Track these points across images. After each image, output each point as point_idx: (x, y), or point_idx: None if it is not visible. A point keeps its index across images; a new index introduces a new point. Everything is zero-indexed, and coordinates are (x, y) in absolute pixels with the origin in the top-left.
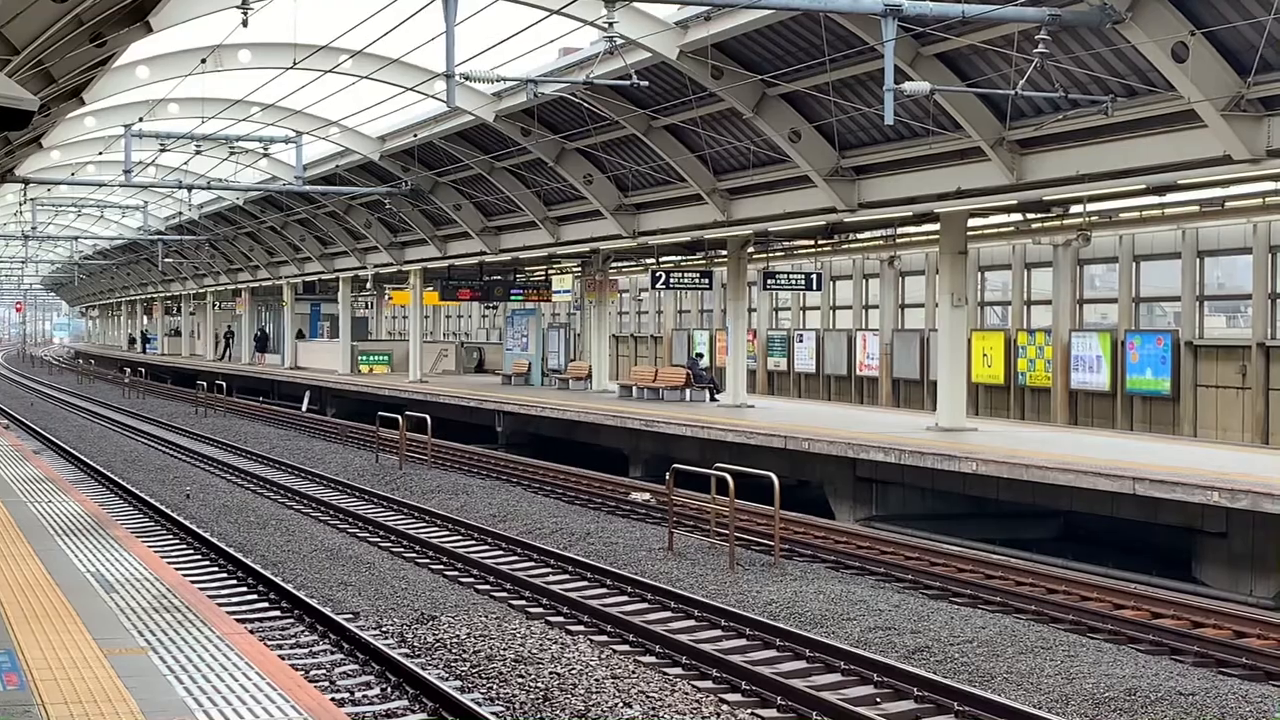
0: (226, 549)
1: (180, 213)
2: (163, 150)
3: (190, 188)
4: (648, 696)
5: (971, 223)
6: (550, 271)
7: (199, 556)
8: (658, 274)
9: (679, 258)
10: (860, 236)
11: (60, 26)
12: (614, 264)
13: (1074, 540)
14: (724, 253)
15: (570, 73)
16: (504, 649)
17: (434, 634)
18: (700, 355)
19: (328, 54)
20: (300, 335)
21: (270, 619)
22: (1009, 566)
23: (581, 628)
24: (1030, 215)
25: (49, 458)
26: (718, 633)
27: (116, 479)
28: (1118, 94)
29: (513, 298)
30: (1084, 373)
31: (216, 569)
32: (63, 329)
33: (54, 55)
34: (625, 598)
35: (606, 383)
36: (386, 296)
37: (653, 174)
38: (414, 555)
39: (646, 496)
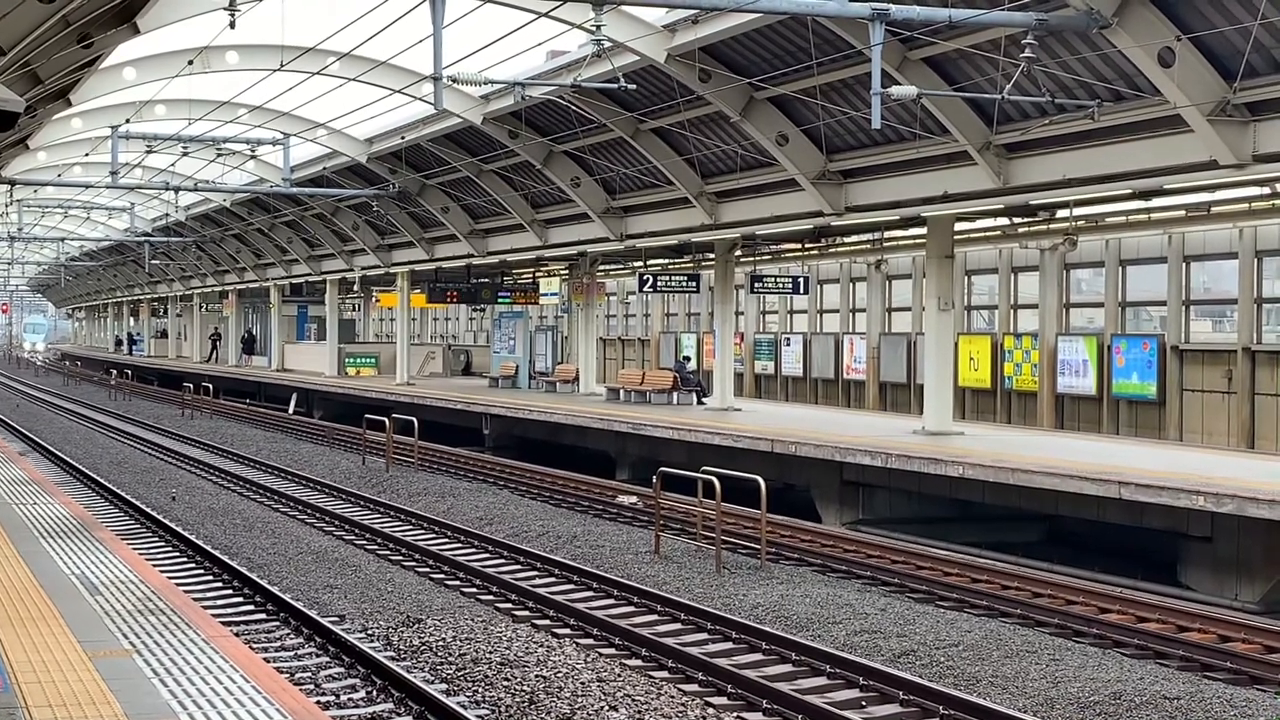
0: (212, 551)
1: (167, 214)
2: (149, 152)
3: (177, 189)
4: (633, 700)
5: (958, 227)
6: (538, 274)
7: (184, 559)
8: (645, 277)
9: (666, 261)
10: (847, 240)
11: (47, 27)
12: (601, 267)
13: (1060, 544)
14: (711, 256)
15: (558, 75)
16: (490, 652)
17: (420, 637)
18: (687, 358)
19: (315, 56)
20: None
21: (255, 622)
22: (995, 570)
23: (568, 631)
24: (1017, 219)
25: (34, 459)
26: (704, 636)
27: (102, 481)
28: (1104, 99)
29: (500, 300)
30: (1070, 377)
31: (202, 571)
32: (38, 331)
33: (41, 56)
34: (612, 601)
35: (594, 385)
36: (374, 299)
37: (640, 177)
38: (400, 558)
39: (633, 499)
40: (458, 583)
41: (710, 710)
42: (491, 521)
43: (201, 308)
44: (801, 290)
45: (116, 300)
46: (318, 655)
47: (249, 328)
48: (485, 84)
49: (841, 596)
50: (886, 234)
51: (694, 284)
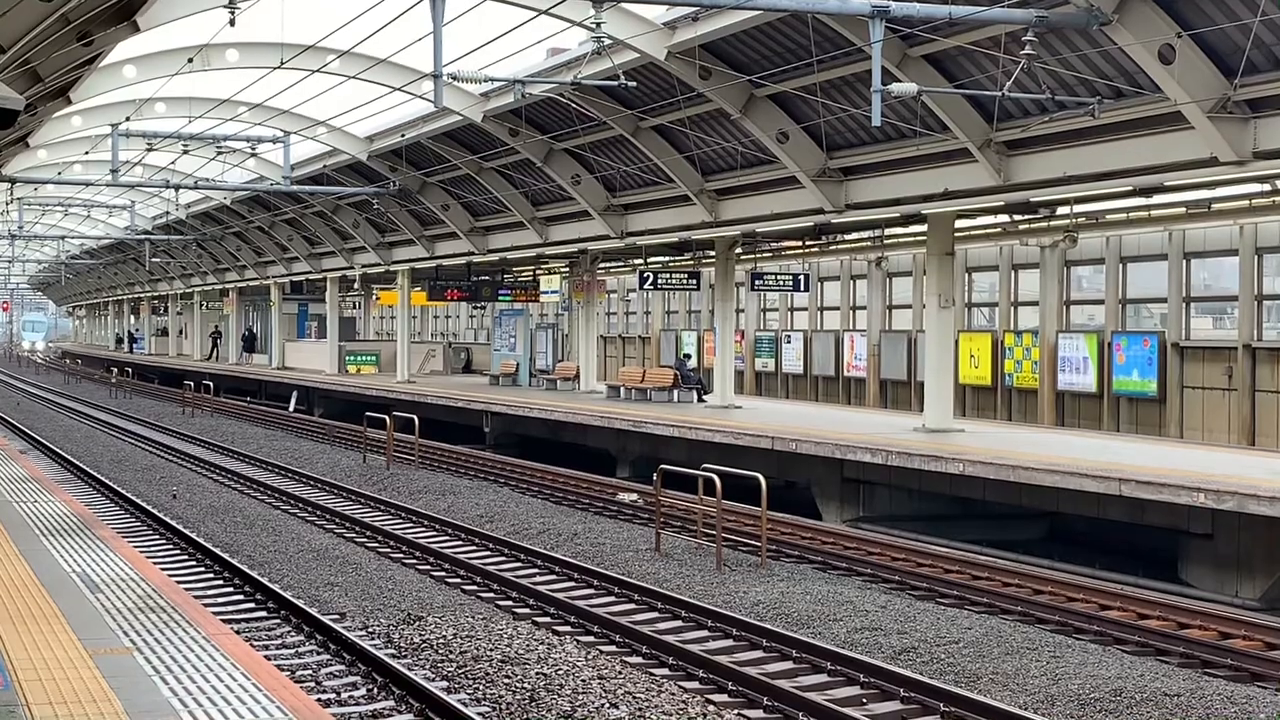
0: (213, 549)
1: (167, 212)
2: (150, 150)
3: (177, 187)
4: (634, 697)
5: (959, 224)
6: (538, 272)
7: (185, 557)
8: (645, 274)
9: (667, 258)
10: (848, 237)
11: (47, 25)
12: (602, 264)
13: (1060, 541)
14: (712, 253)
15: (558, 73)
16: (491, 649)
17: (421, 634)
18: (688, 356)
19: (315, 53)
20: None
21: (256, 619)
22: (995, 567)
23: (568, 628)
24: (1017, 217)
25: (35, 457)
26: (704, 633)
27: (103, 479)
28: (1104, 96)
29: (500, 298)
30: (1071, 374)
31: (203, 569)
32: (37, 329)
33: (41, 54)
34: (612, 598)
35: (594, 383)
36: (374, 297)
37: (641, 174)
38: (401, 555)
39: (634, 497)
40: (458, 580)
41: (711, 708)
42: (492, 519)
43: (202, 306)
44: (802, 288)
45: (117, 298)
46: (319, 653)
47: (249, 326)
48: (485, 81)
49: (842, 594)
50: (887, 231)
51: (694, 281)
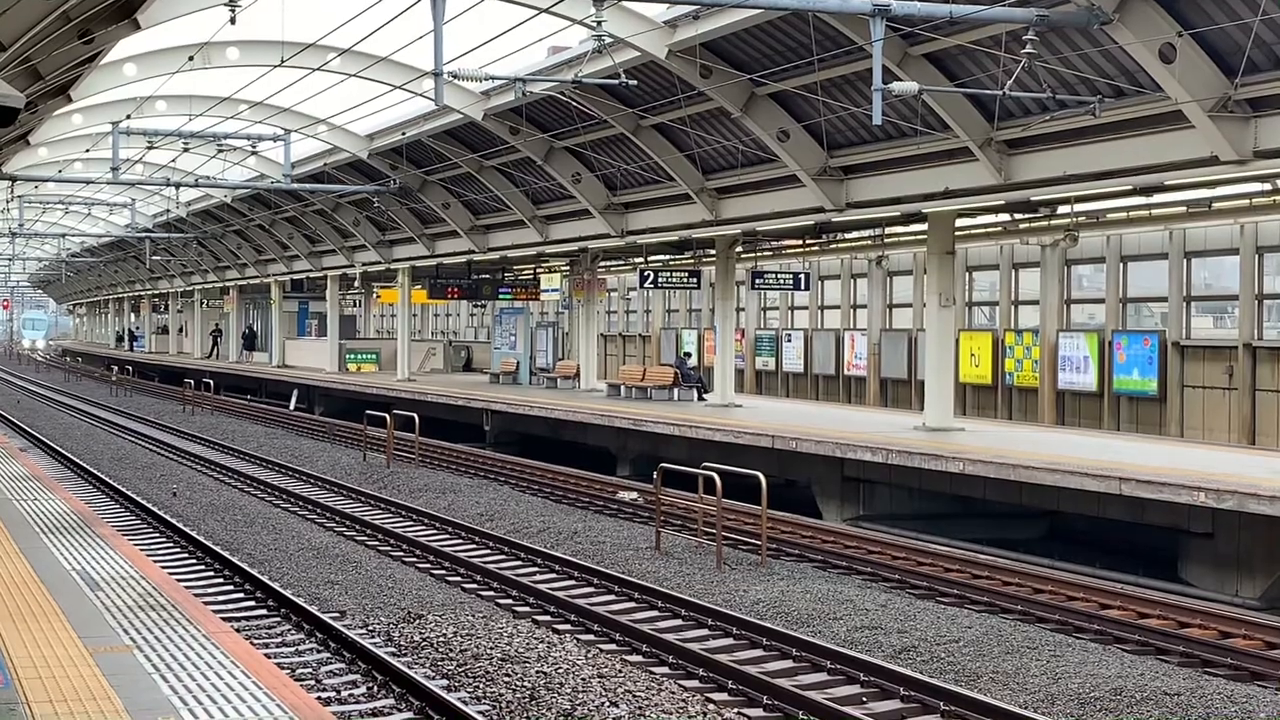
0: (213, 547)
1: (168, 210)
2: (150, 148)
3: (178, 185)
4: (634, 695)
5: (959, 223)
6: (539, 270)
7: (185, 555)
8: (646, 273)
9: (667, 257)
10: (848, 236)
11: (48, 23)
12: (602, 263)
13: (1061, 540)
14: (712, 252)
15: (559, 71)
16: (491, 648)
17: (420, 633)
18: (688, 354)
19: (316, 52)
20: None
21: (257, 617)
22: (995, 566)
23: (568, 627)
24: (1018, 215)
25: (35, 455)
26: (705, 632)
27: (103, 477)
28: (1105, 95)
29: (501, 296)
30: (1071, 373)
31: (203, 567)
32: (37, 328)
33: (41, 52)
34: (612, 597)
35: (594, 382)
36: (375, 295)
37: (641, 173)
38: (401, 554)
39: (634, 496)
40: (458, 579)
41: (711, 706)
42: (492, 518)
43: (202, 304)
44: (802, 286)
45: (117, 296)
46: (319, 651)
47: (250, 324)
48: (486, 80)
49: (842, 592)
50: (887, 230)
51: (695, 280)
